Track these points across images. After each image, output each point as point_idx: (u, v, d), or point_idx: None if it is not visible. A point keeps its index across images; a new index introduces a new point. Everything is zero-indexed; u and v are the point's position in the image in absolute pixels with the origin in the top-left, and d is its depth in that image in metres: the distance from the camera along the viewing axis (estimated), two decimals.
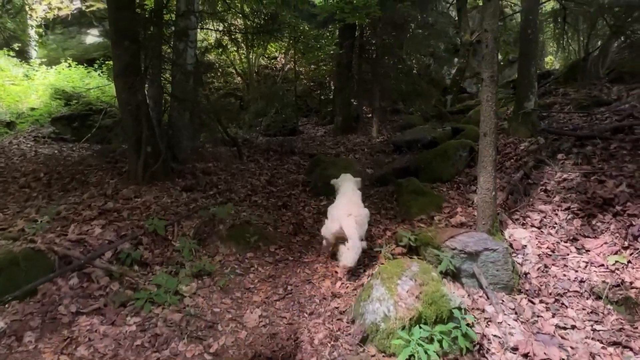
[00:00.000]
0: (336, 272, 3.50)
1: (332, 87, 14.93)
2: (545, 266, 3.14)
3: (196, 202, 4.74)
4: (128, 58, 4.93)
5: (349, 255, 3.14)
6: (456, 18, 17.61)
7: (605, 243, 3.12)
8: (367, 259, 3.62)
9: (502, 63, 19.61)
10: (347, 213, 3.31)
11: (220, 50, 10.62)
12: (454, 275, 3.13)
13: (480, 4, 16.55)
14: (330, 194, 5.80)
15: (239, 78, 16.33)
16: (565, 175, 3.95)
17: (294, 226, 4.61)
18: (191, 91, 6.36)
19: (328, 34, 11.40)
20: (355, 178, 4.24)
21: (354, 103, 11.73)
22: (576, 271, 3.06)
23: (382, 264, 3.43)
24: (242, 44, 13.57)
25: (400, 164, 6.12)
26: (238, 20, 11.85)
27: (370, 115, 12.30)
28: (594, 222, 3.36)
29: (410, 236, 3.55)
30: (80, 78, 10.40)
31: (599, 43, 9.57)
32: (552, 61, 22.19)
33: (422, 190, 4.67)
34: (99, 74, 10.97)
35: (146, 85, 6.49)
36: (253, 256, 3.83)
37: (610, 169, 3.74)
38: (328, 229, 3.48)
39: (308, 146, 9.28)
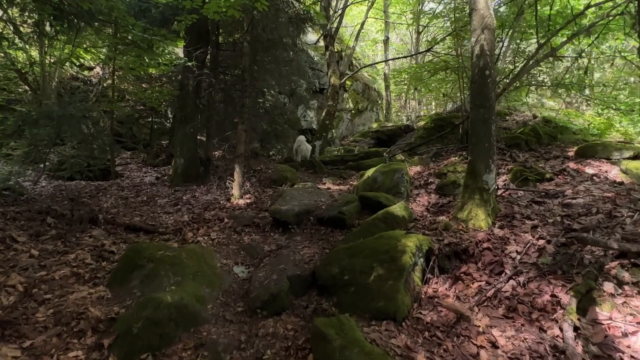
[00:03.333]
0: None
1: (171, 115, 11.49)
2: None
3: None
4: None
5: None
6: (314, 58, 16.85)
7: None
8: None
9: (352, 111, 19.83)
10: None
11: None
12: None
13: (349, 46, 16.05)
14: None
15: (27, 87, 11.16)
16: None
17: None
18: None
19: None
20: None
21: (203, 140, 8.71)
22: None
23: None
24: (35, 38, 9.02)
25: (301, 267, 3.49)
26: None
27: (218, 156, 9.42)
28: None
29: None
30: None
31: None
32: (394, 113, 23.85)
33: None
34: None
35: None
36: None
37: None
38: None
39: (126, 206, 5.73)
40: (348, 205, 4.64)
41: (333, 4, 12.07)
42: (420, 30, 19.08)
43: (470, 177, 3.81)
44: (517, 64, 9.14)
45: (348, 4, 11.85)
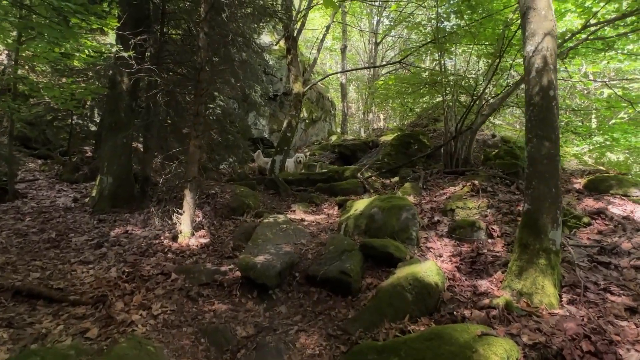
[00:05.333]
0: None
1: (98, 115, 9.45)
2: None
3: None
4: None
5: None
6: (269, 62, 15.52)
7: None
8: None
9: (306, 121, 18.75)
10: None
11: None
12: None
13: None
14: None
15: None
16: None
17: None
18: None
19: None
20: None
21: (141, 152, 6.99)
22: None
23: None
24: None
25: None
26: None
27: (156, 167, 7.71)
28: None
29: None
30: None
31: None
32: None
33: None
34: None
35: None
36: None
37: None
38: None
39: (24, 249, 4.00)
40: (346, 256, 3.46)
41: (296, 3, 10.92)
42: (378, 41, 18.64)
43: (530, 233, 2.84)
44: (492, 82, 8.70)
45: (312, 4, 10.75)
